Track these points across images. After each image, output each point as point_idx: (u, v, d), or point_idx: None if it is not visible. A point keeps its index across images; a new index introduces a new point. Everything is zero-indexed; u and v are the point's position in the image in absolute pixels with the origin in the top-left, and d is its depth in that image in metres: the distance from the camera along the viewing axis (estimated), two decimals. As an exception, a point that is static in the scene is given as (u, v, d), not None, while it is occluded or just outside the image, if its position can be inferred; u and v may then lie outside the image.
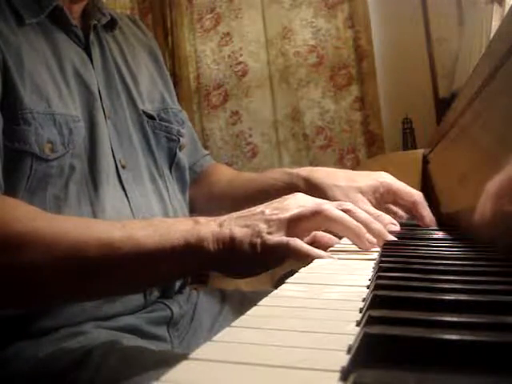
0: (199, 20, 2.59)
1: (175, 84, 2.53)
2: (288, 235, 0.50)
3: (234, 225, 0.50)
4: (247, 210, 0.53)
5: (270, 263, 0.51)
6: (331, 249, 0.55)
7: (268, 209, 0.51)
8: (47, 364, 0.53)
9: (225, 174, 0.91)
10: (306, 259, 0.48)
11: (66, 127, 0.62)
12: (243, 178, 0.87)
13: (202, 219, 0.51)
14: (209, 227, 0.50)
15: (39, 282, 0.49)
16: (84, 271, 0.49)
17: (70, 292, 0.52)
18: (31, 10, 0.65)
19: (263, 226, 0.49)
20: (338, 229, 0.51)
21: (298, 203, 0.52)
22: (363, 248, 0.51)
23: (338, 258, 0.49)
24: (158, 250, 0.48)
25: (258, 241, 0.49)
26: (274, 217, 0.50)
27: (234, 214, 0.52)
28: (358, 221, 0.51)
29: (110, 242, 0.48)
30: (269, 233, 0.49)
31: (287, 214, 0.51)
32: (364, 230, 0.51)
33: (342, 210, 0.51)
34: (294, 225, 0.50)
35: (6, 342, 0.56)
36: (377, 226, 0.53)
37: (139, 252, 0.48)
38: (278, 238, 0.49)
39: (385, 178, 0.73)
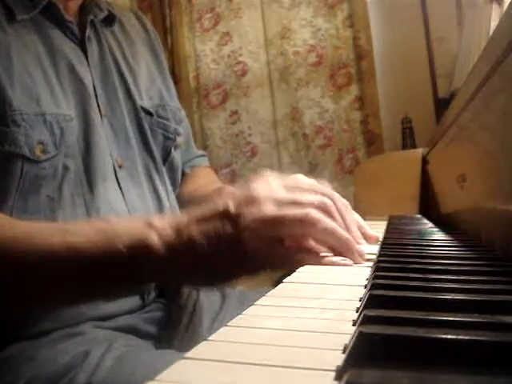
0: (198, 19, 2.58)
1: (174, 83, 2.53)
2: (262, 239, 0.42)
3: (194, 226, 0.43)
4: (208, 205, 0.45)
5: (239, 270, 0.44)
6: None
7: (233, 204, 0.43)
8: (45, 365, 0.53)
9: (190, 187, 0.86)
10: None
11: (58, 127, 0.61)
12: (197, 197, 0.82)
13: (156, 220, 0.45)
14: (161, 231, 0.43)
15: None
16: (23, 282, 0.47)
17: (18, 304, 0.50)
18: (23, 5, 0.63)
19: (228, 229, 0.42)
20: (328, 241, 0.44)
21: (271, 195, 0.44)
22: (353, 261, 0.45)
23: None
24: (97, 258, 0.44)
25: (223, 246, 0.42)
26: (248, 217, 0.42)
27: (196, 213, 0.45)
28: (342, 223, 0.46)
29: (47, 252, 0.45)
30: (236, 235, 0.42)
31: (265, 214, 0.42)
32: (354, 243, 0.45)
33: (324, 208, 0.44)
34: (273, 229, 0.43)
35: (4, 344, 0.56)
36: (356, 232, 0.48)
37: (77, 260, 0.45)
38: (259, 242, 0.42)
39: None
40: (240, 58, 2.53)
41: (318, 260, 0.44)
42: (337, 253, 0.45)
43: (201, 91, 2.57)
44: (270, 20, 2.48)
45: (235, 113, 2.53)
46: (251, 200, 0.44)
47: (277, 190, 0.46)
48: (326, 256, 0.45)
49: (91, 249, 0.44)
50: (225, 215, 0.43)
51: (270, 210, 0.43)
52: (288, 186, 0.47)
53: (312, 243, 0.45)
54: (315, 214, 0.43)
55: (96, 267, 0.45)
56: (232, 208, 0.43)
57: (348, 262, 0.44)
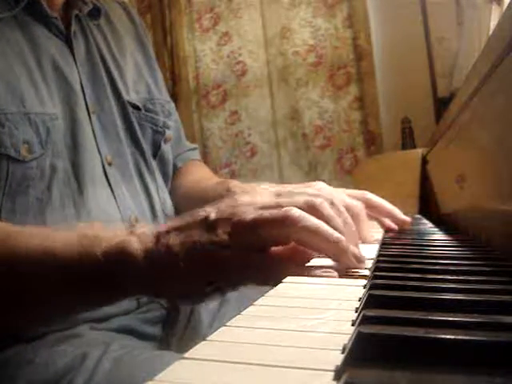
0: (198, 19, 2.59)
1: (174, 83, 2.54)
2: (240, 246, 0.40)
3: (173, 235, 0.41)
4: (190, 213, 0.43)
5: (217, 281, 0.42)
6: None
7: (213, 212, 0.42)
8: (42, 368, 0.52)
9: (188, 180, 0.85)
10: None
11: (43, 126, 0.60)
12: (199, 189, 0.79)
13: (140, 230, 0.44)
14: (141, 241, 0.42)
15: None
16: (6, 288, 0.46)
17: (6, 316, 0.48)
18: (6, 3, 0.63)
19: (205, 237, 0.40)
20: (313, 242, 0.40)
21: (253, 202, 0.42)
22: (349, 266, 0.40)
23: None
24: (73, 263, 0.43)
25: (199, 255, 0.40)
26: (226, 223, 0.40)
27: (177, 222, 0.43)
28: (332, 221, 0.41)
29: (25, 254, 0.44)
30: (214, 242, 0.40)
31: (242, 218, 0.40)
32: (346, 243, 0.40)
33: (310, 207, 0.41)
34: (252, 233, 0.40)
35: (1, 347, 0.56)
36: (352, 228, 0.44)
37: (53, 264, 0.44)
38: (236, 249, 0.39)
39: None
40: (240, 58, 2.53)
41: (298, 270, 0.39)
42: (331, 258, 0.41)
43: (200, 91, 2.58)
44: (269, 20, 2.48)
45: (235, 113, 2.53)
46: (232, 207, 0.42)
47: (263, 197, 0.44)
48: (310, 266, 0.40)
49: (69, 253, 0.43)
50: (203, 223, 0.41)
51: (249, 215, 0.40)
52: (279, 192, 0.46)
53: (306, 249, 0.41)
54: (296, 211, 0.39)
55: (72, 273, 0.44)
56: (211, 216, 0.41)
57: (333, 273, 0.39)
